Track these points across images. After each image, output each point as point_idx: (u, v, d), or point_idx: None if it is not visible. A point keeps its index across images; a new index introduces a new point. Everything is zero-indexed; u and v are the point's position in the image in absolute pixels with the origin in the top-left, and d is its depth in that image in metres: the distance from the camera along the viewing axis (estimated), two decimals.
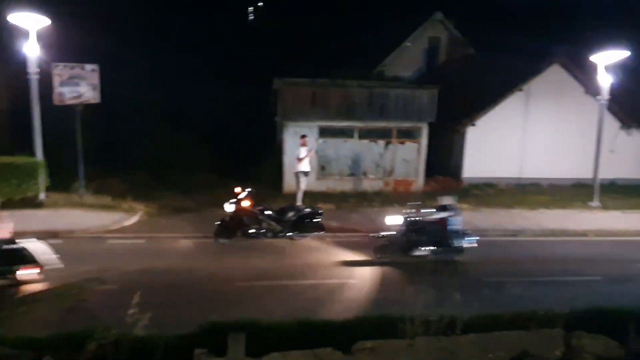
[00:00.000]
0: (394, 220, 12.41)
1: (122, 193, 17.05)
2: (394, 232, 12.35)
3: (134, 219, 15.21)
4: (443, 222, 12.40)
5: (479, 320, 6.70)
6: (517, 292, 10.38)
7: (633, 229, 15.97)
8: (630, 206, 18.36)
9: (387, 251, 12.37)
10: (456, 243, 12.35)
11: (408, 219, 12.33)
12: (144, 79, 23.50)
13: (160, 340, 5.62)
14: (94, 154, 17.50)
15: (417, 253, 12.21)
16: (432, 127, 19.74)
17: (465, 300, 6.90)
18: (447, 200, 12.86)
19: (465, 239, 12.45)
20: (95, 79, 16.51)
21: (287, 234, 13.51)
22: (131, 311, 6.15)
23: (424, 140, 19.73)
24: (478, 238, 12.60)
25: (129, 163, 19.62)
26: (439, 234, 12.31)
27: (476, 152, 20.95)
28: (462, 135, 20.97)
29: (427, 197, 18.56)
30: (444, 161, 21.59)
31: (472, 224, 15.69)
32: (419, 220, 12.36)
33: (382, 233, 12.46)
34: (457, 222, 12.54)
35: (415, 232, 12.25)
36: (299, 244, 13.50)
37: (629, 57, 17.78)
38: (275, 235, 13.48)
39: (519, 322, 6.83)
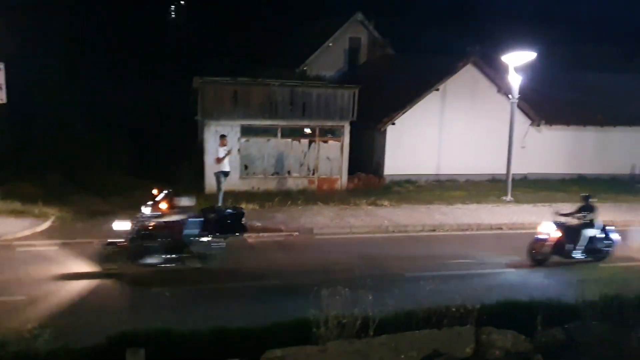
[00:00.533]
0: (123, 225, 11.05)
1: (33, 197, 16.13)
2: (123, 239, 10.96)
3: (46, 225, 14.45)
4: (177, 226, 11.08)
5: (393, 319, 6.81)
6: (434, 286, 10.62)
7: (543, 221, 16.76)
8: (540, 199, 19.31)
9: (114, 260, 10.95)
10: (196, 249, 11.15)
11: (137, 223, 11.02)
12: (58, 77, 22.42)
13: (64, 355, 5.32)
14: (3, 157, 16.49)
15: (148, 261, 10.85)
16: (354, 125, 19.96)
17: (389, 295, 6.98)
18: (185, 201, 11.44)
19: (208, 244, 11.28)
20: (0, 78, 15.55)
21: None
22: (33, 324, 5.82)
23: (347, 138, 19.92)
24: (224, 244, 11.52)
25: (42, 165, 18.63)
26: (174, 239, 11.00)
27: (397, 150, 21.39)
28: (382, 134, 21.34)
29: (350, 195, 18.91)
30: (366, 159, 21.91)
31: (393, 220, 16.07)
32: (148, 225, 11.03)
33: (110, 240, 11.05)
34: (197, 225, 11.28)
35: (145, 238, 10.90)
36: None
37: (535, 57, 18.64)
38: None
39: (432, 319, 7.00)
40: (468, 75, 21.62)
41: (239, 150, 18.58)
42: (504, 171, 19.76)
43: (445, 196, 19.32)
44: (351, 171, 20.42)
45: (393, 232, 15.36)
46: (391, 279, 11.18)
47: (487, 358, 6.09)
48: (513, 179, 19.53)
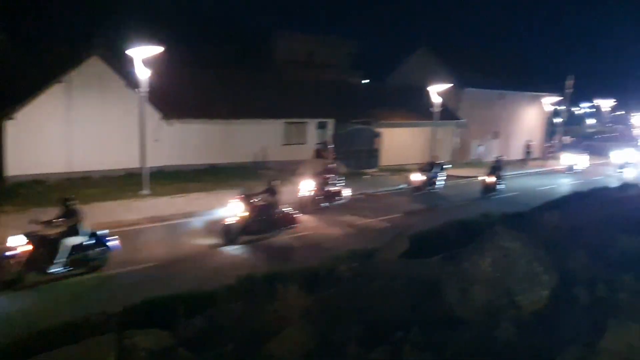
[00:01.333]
0: None
1: None
2: None
3: None
4: None
5: (24, 342, 6.05)
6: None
7: (181, 211, 17.25)
8: (177, 191, 19.89)
9: None
10: None
11: None
12: None
13: None
14: None
15: None
16: None
17: None
18: None
19: None
20: None
21: None
22: None
23: None
24: None
25: None
26: None
27: (20, 147, 19.23)
28: (1, 130, 18.83)
29: None
30: None
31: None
32: None
33: None
34: None
35: None
36: None
37: (166, 55, 18.94)
38: None
39: (71, 332, 6.44)
40: (95, 67, 20.77)
41: None
42: (139, 165, 19.64)
43: (80, 195, 17.97)
44: None
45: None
46: None
47: None
48: (149, 172, 19.56)
